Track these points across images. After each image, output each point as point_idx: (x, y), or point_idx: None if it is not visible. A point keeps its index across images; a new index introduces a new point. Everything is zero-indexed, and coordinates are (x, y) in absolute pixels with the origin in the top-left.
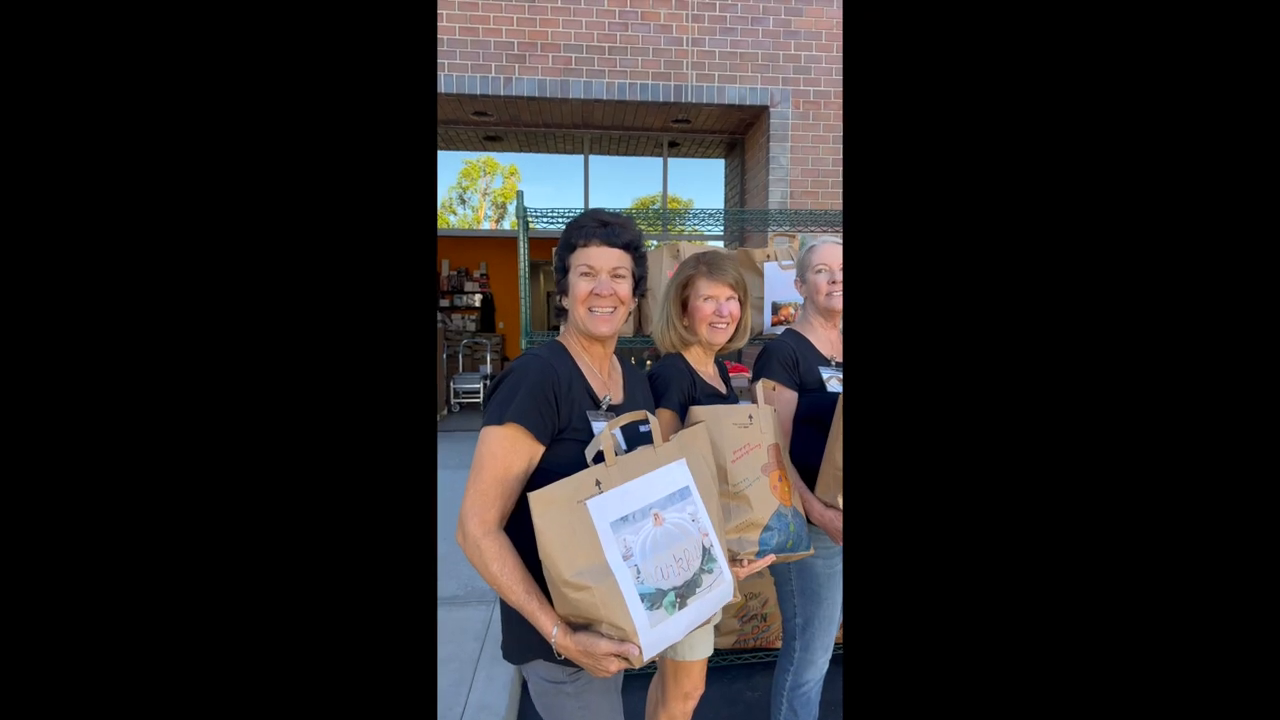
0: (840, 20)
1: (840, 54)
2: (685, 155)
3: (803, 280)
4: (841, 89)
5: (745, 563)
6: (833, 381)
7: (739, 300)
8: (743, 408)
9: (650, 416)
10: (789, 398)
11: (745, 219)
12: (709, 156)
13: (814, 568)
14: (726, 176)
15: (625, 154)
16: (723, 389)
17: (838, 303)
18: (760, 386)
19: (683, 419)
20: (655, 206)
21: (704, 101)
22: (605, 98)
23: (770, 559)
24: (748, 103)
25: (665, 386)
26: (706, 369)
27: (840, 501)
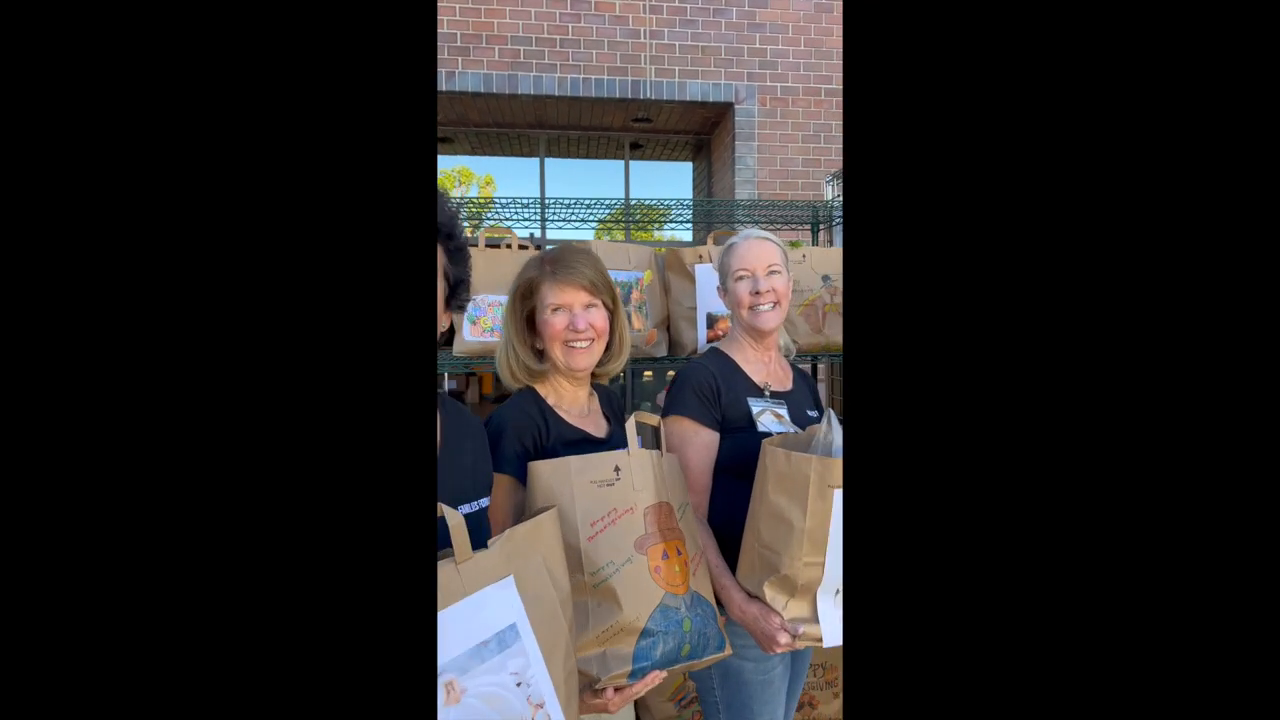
0: (806, 13)
1: (808, 48)
2: (649, 158)
3: (724, 289)
4: (810, 85)
5: (612, 693)
6: (765, 417)
7: (604, 307)
8: (607, 456)
9: (449, 512)
10: (707, 440)
11: (712, 208)
12: (675, 159)
13: (742, 674)
14: (695, 180)
15: (584, 156)
16: (602, 430)
17: (767, 320)
18: (631, 423)
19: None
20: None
21: (664, 98)
22: (557, 93)
23: (655, 678)
24: (711, 99)
25: (495, 442)
26: (572, 406)
27: (768, 593)
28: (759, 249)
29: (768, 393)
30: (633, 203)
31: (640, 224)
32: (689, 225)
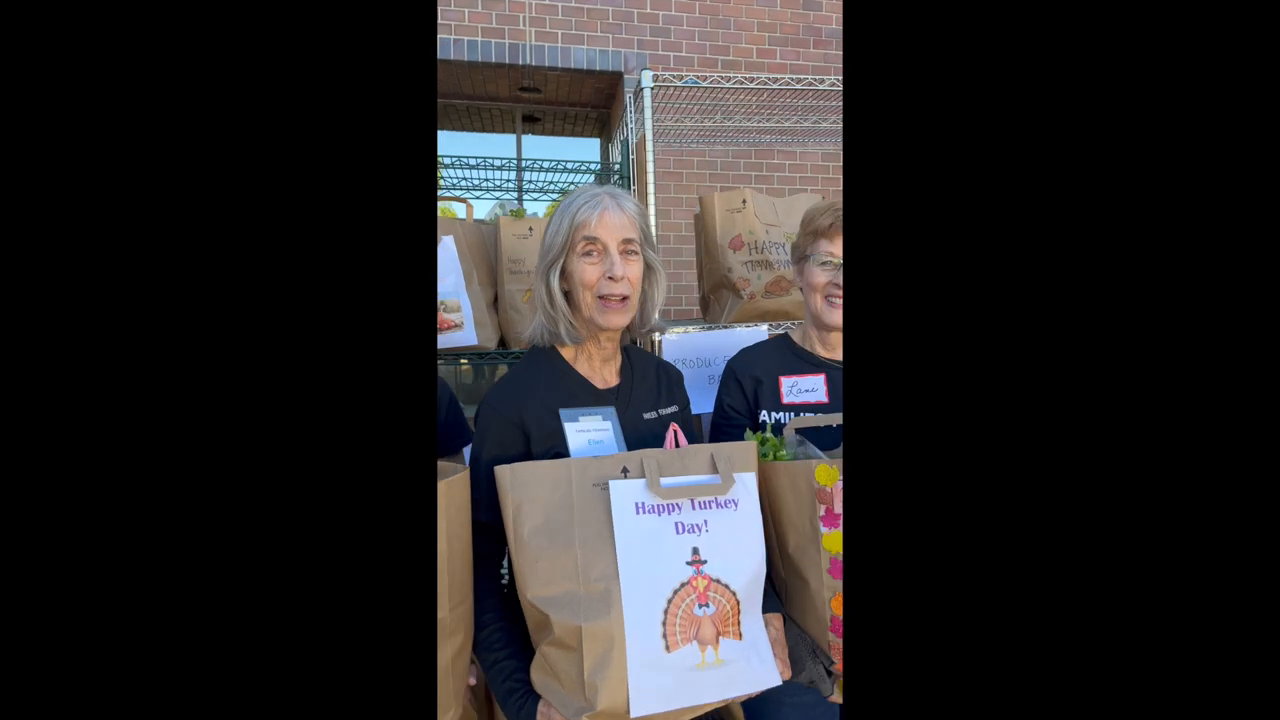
0: None
1: (703, 15)
2: (548, 133)
3: None
4: (706, 55)
5: None
6: None
7: None
8: None
9: None
10: None
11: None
12: (578, 134)
13: None
14: (601, 157)
15: (472, 129)
16: None
17: None
18: None
19: None
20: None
21: (546, 65)
22: None
23: None
24: (598, 68)
25: None
26: None
27: None
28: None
29: None
30: (470, 161)
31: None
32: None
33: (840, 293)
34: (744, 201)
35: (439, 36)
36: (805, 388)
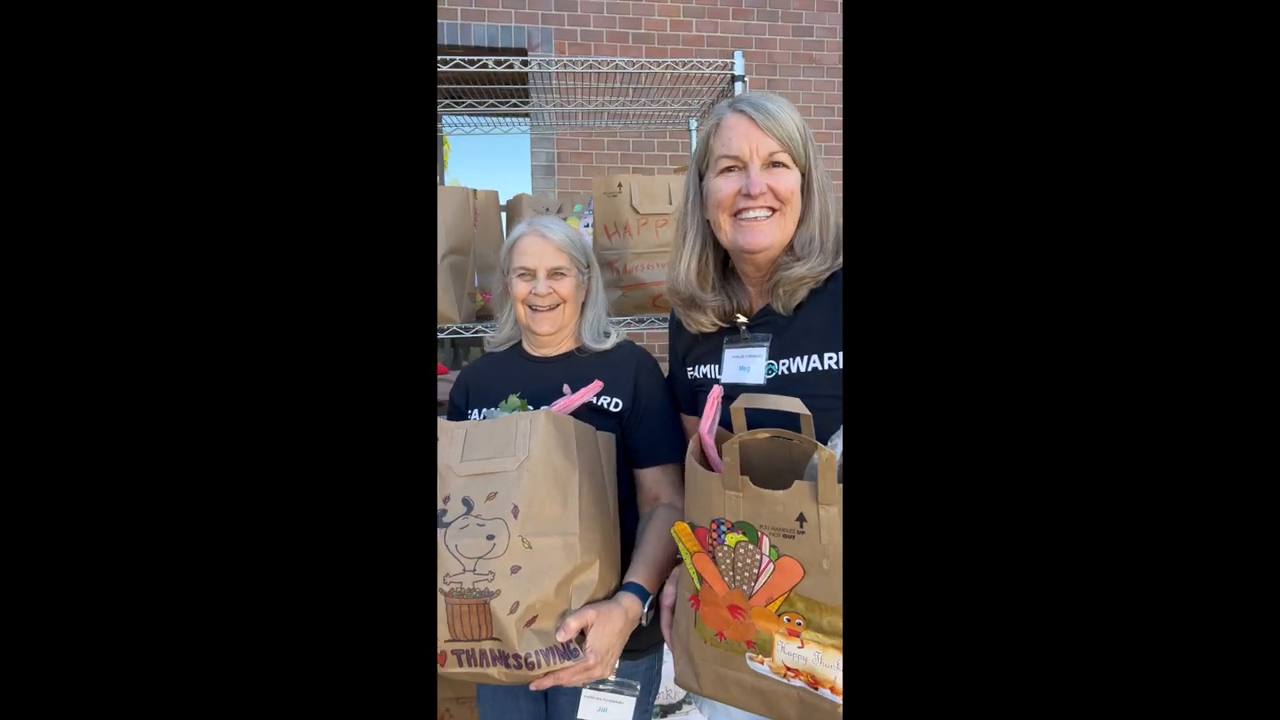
0: None
1: None
2: (467, 113)
3: None
4: (616, 29)
5: None
6: None
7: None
8: None
9: None
10: None
11: None
12: (495, 114)
13: None
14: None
15: None
16: None
17: None
18: None
19: None
20: None
21: (444, 42)
22: None
23: None
24: (500, 44)
25: None
26: None
27: None
28: None
29: None
30: None
31: None
32: None
33: None
34: None
35: None
36: None
